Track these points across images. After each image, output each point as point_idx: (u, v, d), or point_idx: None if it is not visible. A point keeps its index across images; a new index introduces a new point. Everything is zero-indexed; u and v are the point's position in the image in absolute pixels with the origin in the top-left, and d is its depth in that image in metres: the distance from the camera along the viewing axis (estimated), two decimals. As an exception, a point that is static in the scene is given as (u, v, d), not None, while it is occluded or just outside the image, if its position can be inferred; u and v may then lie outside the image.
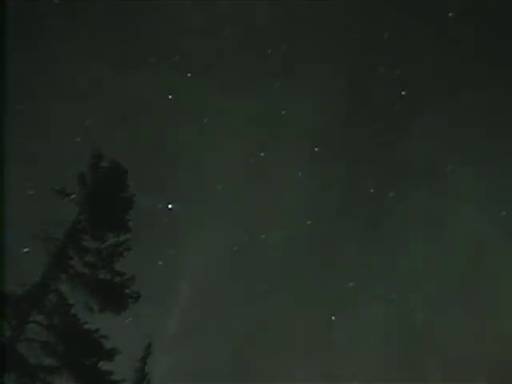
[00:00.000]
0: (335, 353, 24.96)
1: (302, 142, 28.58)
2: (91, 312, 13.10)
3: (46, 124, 24.36)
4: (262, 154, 28.47)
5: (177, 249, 25.12)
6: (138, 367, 17.00)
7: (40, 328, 12.42)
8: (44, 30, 25.30)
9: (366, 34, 28.76)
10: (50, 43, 25.32)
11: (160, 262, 24.72)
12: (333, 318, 25.85)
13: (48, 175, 19.91)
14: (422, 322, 25.67)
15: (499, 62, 28.21)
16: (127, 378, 14.16)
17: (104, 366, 12.94)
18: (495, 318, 24.73)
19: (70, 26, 25.90)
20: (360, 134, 30.00)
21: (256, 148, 28.05)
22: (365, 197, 28.98)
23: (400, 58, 29.12)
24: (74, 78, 25.72)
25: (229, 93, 27.12)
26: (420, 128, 29.24)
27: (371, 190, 28.77)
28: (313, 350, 25.22)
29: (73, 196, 13.60)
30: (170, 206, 25.97)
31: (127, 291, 13.45)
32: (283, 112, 29.07)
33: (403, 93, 28.25)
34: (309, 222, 28.42)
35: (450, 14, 27.60)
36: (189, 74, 27.74)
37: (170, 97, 27.35)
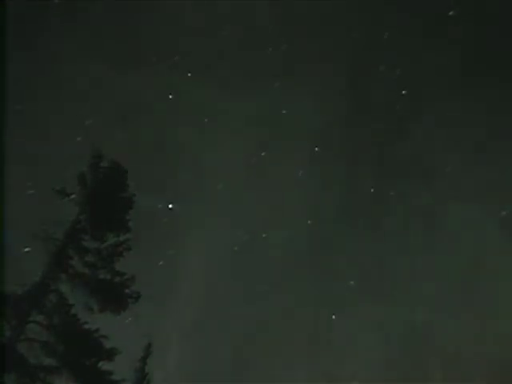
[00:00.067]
0: (335, 353, 24.97)
1: (302, 142, 28.61)
2: (91, 312, 13.10)
3: (46, 124, 24.37)
4: (263, 154, 28.53)
5: (177, 249, 25.15)
6: (138, 367, 16.98)
7: (40, 328, 12.42)
8: (44, 30, 25.35)
9: (366, 34, 28.80)
10: (50, 43, 25.36)
11: (160, 262, 24.76)
12: (333, 317, 25.88)
13: (48, 175, 19.91)
14: (422, 322, 25.66)
15: (499, 62, 28.25)
16: (127, 378, 14.16)
17: (104, 365, 12.93)
18: (495, 318, 24.72)
19: (70, 26, 25.95)
20: (360, 134, 30.04)
21: (256, 148, 28.11)
22: (365, 197, 29.03)
23: (400, 57, 29.16)
24: (73, 78, 25.78)
25: (229, 93, 27.16)
26: (420, 128, 29.31)
27: (371, 190, 28.83)
28: (313, 350, 25.25)
29: (73, 196, 13.60)
30: (170, 206, 26.00)
31: (127, 291, 13.45)
32: (283, 112, 29.13)
33: (404, 92, 28.29)
34: (309, 222, 28.46)
35: (450, 14, 27.63)
36: (189, 74, 27.81)
37: (170, 97, 27.41)
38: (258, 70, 28.62)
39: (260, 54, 28.50)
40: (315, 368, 24.44)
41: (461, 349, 24.07)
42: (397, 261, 27.45)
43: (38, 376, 12.15)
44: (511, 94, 27.90)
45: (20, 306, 12.21)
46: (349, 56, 29.11)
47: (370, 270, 27.78)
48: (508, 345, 23.07)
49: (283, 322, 25.95)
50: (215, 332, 25.42)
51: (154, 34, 27.48)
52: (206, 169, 27.89)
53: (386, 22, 28.52)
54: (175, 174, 27.30)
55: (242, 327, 25.73)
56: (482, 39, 28.22)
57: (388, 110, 29.58)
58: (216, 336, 25.14)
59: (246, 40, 28.06)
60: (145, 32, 27.56)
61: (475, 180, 27.52)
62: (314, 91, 28.23)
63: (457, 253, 26.69)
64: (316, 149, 28.54)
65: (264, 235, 27.81)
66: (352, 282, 26.85)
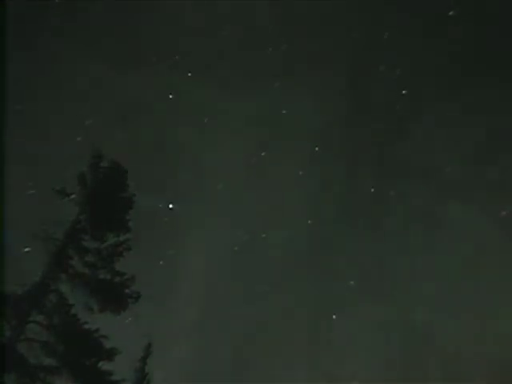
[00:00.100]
0: (335, 353, 24.94)
1: (302, 142, 28.62)
2: (91, 312, 13.11)
3: (46, 124, 24.37)
4: (263, 154, 28.52)
5: (177, 249, 25.14)
6: (138, 367, 16.96)
7: (40, 328, 12.44)
8: (44, 30, 25.36)
9: (366, 34, 28.78)
10: (50, 43, 25.37)
11: (160, 262, 24.74)
12: (333, 317, 25.86)
13: (48, 175, 19.89)
14: (422, 322, 25.62)
15: (499, 62, 28.23)
16: (127, 378, 14.16)
17: (104, 365, 12.95)
18: (495, 318, 24.68)
19: (69, 26, 25.96)
20: (360, 134, 30.01)
21: (256, 148, 28.10)
22: (365, 197, 28.99)
23: (400, 57, 29.12)
24: (73, 78, 25.79)
25: (229, 93, 27.17)
26: (420, 128, 29.30)
27: (371, 190, 28.81)
28: (313, 350, 25.22)
29: (73, 196, 13.62)
30: (170, 206, 25.99)
31: (127, 291, 13.46)
32: (283, 112, 29.12)
33: (404, 92, 28.29)
34: (309, 222, 28.44)
35: (450, 14, 27.63)
36: (189, 74, 27.80)
37: (170, 97, 27.41)
38: (258, 70, 28.66)
39: (260, 54, 28.54)
40: (315, 368, 24.44)
41: (461, 349, 24.05)
42: (397, 261, 27.44)
43: (38, 376, 12.16)
44: (511, 94, 27.94)
45: (20, 306, 12.21)
46: (349, 56, 29.14)
47: (370, 270, 27.77)
48: (508, 345, 23.06)
49: (283, 322, 25.95)
50: (215, 332, 25.42)
51: (154, 34, 27.51)
52: (206, 169, 27.92)
53: (386, 22, 28.54)
54: (175, 174, 27.32)
55: (242, 327, 25.74)
56: (482, 39, 28.23)
57: (388, 110, 29.58)
58: (216, 336, 25.14)
59: (246, 40, 28.10)
60: (145, 32, 27.60)
61: (475, 180, 27.56)
62: (314, 91, 28.28)
63: (457, 253, 26.68)
64: (316, 149, 28.56)
65: (264, 235, 27.83)
66: (352, 282, 26.84)
